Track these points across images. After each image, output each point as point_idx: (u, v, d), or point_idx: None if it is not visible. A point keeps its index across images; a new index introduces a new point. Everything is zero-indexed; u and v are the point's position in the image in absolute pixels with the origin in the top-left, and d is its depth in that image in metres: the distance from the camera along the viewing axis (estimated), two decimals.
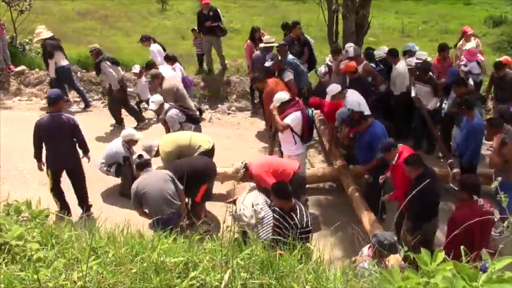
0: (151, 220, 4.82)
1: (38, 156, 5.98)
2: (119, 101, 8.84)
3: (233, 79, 10.24)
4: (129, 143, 6.68)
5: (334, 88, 7.02)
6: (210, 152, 6.31)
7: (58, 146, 5.91)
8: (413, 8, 16.29)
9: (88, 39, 12.79)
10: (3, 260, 2.12)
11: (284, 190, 4.55)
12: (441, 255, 1.73)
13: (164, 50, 9.46)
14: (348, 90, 7.03)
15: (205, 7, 9.67)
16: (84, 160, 6.26)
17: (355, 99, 6.76)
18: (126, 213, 6.22)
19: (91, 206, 6.39)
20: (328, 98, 7.04)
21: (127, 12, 15.34)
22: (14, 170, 6.36)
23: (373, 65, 7.93)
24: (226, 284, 1.96)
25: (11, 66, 10.62)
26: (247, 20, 14.59)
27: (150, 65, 8.55)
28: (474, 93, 7.18)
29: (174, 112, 6.86)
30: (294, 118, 6.15)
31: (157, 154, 6.23)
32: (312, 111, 6.52)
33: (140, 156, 5.63)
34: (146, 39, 9.45)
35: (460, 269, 1.63)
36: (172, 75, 8.04)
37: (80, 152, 6.23)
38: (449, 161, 6.42)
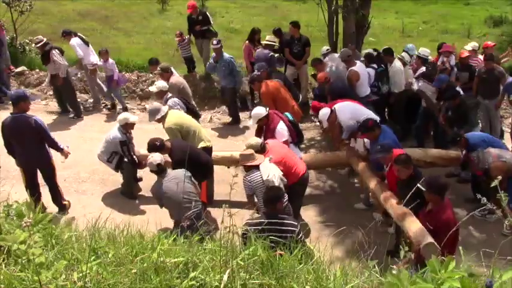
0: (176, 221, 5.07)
1: (11, 153, 6.03)
2: (64, 90, 9.10)
3: None
4: (125, 127, 6.59)
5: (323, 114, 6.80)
6: (209, 151, 6.32)
7: (23, 146, 5.91)
8: (413, 8, 16.28)
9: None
10: (3, 260, 2.12)
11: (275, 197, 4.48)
12: (452, 263, 1.73)
13: (86, 43, 9.55)
14: (337, 105, 6.66)
15: (193, 12, 9.80)
16: (61, 159, 6.22)
17: (347, 116, 6.50)
18: (126, 213, 6.26)
19: (65, 204, 6.37)
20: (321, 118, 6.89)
21: (127, 12, 15.35)
22: (14, 170, 6.36)
23: (374, 65, 7.93)
24: (226, 284, 1.96)
25: (11, 67, 10.62)
26: (247, 20, 14.59)
27: (153, 61, 8.65)
28: (468, 100, 7.19)
29: (175, 100, 6.92)
30: (284, 131, 6.17)
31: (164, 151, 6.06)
32: (290, 114, 6.53)
33: (159, 165, 5.45)
34: (67, 34, 9.52)
35: (466, 284, 1.63)
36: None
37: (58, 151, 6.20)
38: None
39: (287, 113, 6.58)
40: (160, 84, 7.17)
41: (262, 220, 4.10)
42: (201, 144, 6.20)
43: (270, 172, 5.10)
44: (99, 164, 6.95)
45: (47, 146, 6.09)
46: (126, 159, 6.60)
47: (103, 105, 9.91)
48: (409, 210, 4.76)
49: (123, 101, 9.71)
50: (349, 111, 6.52)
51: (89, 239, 2.49)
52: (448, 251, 3.80)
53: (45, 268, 2.02)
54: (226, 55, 8.53)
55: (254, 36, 9.27)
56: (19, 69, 10.72)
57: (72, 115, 9.32)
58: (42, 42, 8.84)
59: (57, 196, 6.32)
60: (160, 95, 7.08)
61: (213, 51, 8.60)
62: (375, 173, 5.89)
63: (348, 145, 6.73)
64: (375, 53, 8.17)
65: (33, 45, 9.24)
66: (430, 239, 4.28)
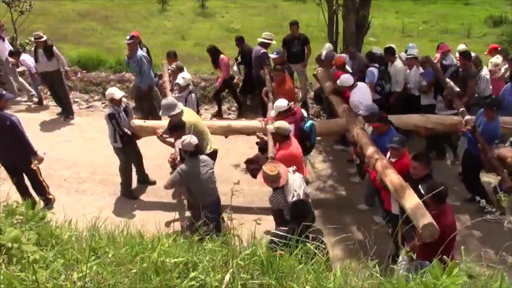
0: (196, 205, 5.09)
1: None
2: (60, 87, 9.25)
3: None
4: (112, 102, 6.56)
5: (345, 80, 7.02)
6: (214, 154, 6.31)
7: (1, 143, 6.00)
8: (413, 8, 16.28)
9: (88, 40, 12.82)
10: (3, 260, 2.12)
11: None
12: (455, 268, 1.72)
13: (2, 38, 9.82)
14: (356, 87, 6.94)
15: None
16: (35, 163, 6.15)
17: (359, 96, 6.76)
18: (126, 213, 6.26)
19: (51, 198, 6.46)
20: (339, 82, 7.04)
21: (127, 12, 15.35)
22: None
23: (376, 65, 7.93)
24: (227, 284, 1.96)
25: None
26: (247, 20, 14.60)
27: (171, 54, 8.62)
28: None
29: (193, 97, 7.13)
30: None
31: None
32: (312, 124, 6.34)
33: (197, 145, 5.37)
34: None
35: None
36: None
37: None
38: (461, 109, 6.53)
39: (310, 121, 6.41)
40: (188, 76, 7.22)
41: (289, 235, 3.93)
42: (208, 147, 6.18)
43: (294, 191, 4.93)
44: (99, 164, 6.96)
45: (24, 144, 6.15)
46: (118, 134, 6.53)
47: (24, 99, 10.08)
48: (407, 184, 4.74)
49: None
50: (362, 93, 6.81)
51: (88, 238, 2.49)
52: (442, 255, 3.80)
53: (43, 268, 2.02)
54: (139, 53, 8.35)
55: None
56: (19, 69, 10.70)
57: (63, 116, 9.31)
58: (43, 38, 8.87)
59: (41, 191, 6.39)
60: (185, 88, 7.10)
61: (128, 45, 8.46)
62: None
63: (347, 111, 6.79)
64: (378, 53, 8.14)
65: (33, 39, 9.20)
66: (429, 219, 4.20)
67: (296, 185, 4.98)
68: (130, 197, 6.79)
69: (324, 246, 3.78)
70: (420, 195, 4.41)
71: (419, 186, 4.48)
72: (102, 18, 14.69)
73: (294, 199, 4.82)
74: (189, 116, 6.13)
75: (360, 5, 8.67)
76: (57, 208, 6.41)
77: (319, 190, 7.13)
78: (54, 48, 8.99)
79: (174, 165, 5.86)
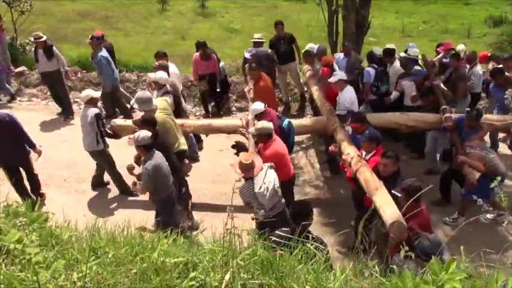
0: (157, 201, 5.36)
1: None
2: (60, 87, 9.22)
3: (233, 79, 10.24)
4: (91, 102, 6.51)
5: (339, 75, 7.08)
6: (182, 154, 6.37)
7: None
8: (413, 8, 16.28)
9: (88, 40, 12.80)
10: (3, 260, 2.12)
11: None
12: (453, 265, 1.73)
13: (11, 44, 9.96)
14: (348, 85, 7.03)
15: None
16: (34, 156, 6.26)
17: (350, 96, 6.83)
18: (126, 213, 6.26)
19: (43, 194, 6.56)
20: (332, 80, 7.06)
21: (127, 12, 15.34)
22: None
23: (374, 65, 7.93)
24: (226, 284, 1.96)
25: (11, 67, 10.62)
26: (247, 20, 14.60)
27: (160, 54, 8.44)
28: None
29: (171, 97, 6.97)
30: None
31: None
32: (289, 121, 6.45)
33: (151, 137, 5.41)
34: None
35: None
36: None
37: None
38: (443, 106, 6.67)
39: (287, 120, 6.55)
40: (164, 76, 7.13)
41: (290, 236, 3.72)
42: (175, 145, 6.23)
43: (263, 183, 4.97)
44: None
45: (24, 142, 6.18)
46: (102, 134, 6.52)
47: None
48: (382, 185, 4.77)
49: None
50: (349, 95, 6.89)
51: (88, 239, 2.49)
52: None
53: (44, 268, 2.02)
54: (99, 53, 8.26)
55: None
56: (19, 69, 10.71)
57: (63, 116, 9.30)
58: (43, 38, 8.87)
59: (36, 187, 6.46)
60: (160, 86, 7.04)
61: (90, 44, 8.40)
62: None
63: (330, 109, 6.87)
64: (378, 54, 8.13)
65: (33, 39, 9.18)
66: (397, 217, 4.20)
67: (267, 178, 5.01)
68: (130, 193, 6.77)
69: (323, 247, 3.76)
70: (394, 194, 4.45)
71: (392, 191, 4.51)
72: (102, 18, 14.68)
73: (261, 190, 4.91)
74: (159, 113, 6.14)
75: (360, 5, 8.67)
76: (57, 208, 6.42)
77: (318, 190, 7.13)
78: (54, 48, 8.99)
79: (132, 173, 5.74)
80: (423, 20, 14.87)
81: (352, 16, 8.69)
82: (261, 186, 4.93)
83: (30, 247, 1.93)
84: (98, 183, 7.03)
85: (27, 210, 2.55)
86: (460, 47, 8.53)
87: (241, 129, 6.29)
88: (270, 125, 5.63)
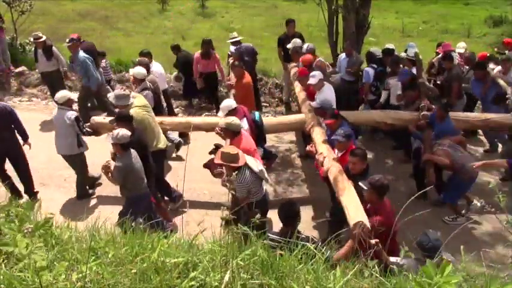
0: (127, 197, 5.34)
1: None
2: (60, 86, 8.91)
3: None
4: (68, 104, 6.44)
5: (318, 75, 7.03)
6: (161, 153, 6.38)
7: None
8: (413, 8, 16.29)
9: (88, 40, 12.80)
10: (3, 260, 2.11)
11: None
12: (448, 267, 1.71)
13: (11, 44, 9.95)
14: (326, 84, 7.03)
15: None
16: (25, 147, 6.31)
17: (329, 94, 6.83)
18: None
19: (37, 193, 6.53)
20: (311, 82, 7.00)
21: (127, 12, 15.35)
22: (11, 169, 6.42)
23: (374, 65, 7.92)
24: (226, 284, 1.96)
25: (11, 67, 10.62)
26: (247, 20, 14.61)
27: (145, 53, 8.44)
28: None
29: (150, 93, 6.95)
30: (245, 124, 6.19)
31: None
32: (259, 114, 6.66)
33: (132, 136, 5.37)
34: None
35: None
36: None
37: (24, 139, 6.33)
38: (422, 104, 6.76)
39: (256, 112, 6.72)
40: (141, 71, 7.04)
41: (282, 238, 3.74)
42: (154, 144, 6.22)
43: (256, 164, 5.07)
44: (98, 164, 6.92)
45: (16, 134, 6.22)
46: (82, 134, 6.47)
47: None
48: (350, 184, 4.80)
49: None
50: (330, 93, 6.91)
51: (88, 239, 2.49)
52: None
53: (46, 269, 2.01)
54: (80, 54, 8.23)
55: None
56: (19, 69, 10.71)
57: None
58: (43, 38, 8.86)
59: (30, 185, 6.47)
60: (139, 82, 7.00)
61: (68, 48, 8.38)
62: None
63: (309, 107, 6.87)
64: (378, 54, 8.12)
65: (32, 39, 9.18)
66: (360, 217, 4.21)
67: (252, 162, 5.11)
68: (88, 195, 6.80)
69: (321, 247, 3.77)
70: (360, 190, 4.48)
71: (359, 183, 4.53)
72: (102, 18, 14.69)
73: (261, 168, 5.04)
74: (137, 110, 6.12)
75: (360, 5, 8.66)
76: (57, 208, 6.43)
77: (318, 189, 7.12)
78: (54, 48, 8.99)
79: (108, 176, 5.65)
80: (423, 20, 14.88)
81: (352, 16, 8.68)
82: (257, 166, 5.06)
83: (36, 254, 1.92)
84: (90, 183, 7.00)
85: (28, 211, 2.54)
86: (461, 45, 8.54)
87: (217, 128, 6.29)
88: (240, 123, 5.71)
